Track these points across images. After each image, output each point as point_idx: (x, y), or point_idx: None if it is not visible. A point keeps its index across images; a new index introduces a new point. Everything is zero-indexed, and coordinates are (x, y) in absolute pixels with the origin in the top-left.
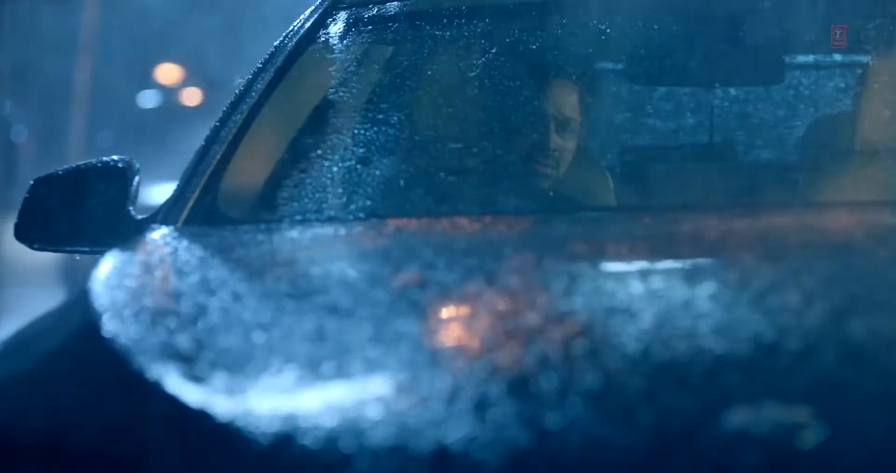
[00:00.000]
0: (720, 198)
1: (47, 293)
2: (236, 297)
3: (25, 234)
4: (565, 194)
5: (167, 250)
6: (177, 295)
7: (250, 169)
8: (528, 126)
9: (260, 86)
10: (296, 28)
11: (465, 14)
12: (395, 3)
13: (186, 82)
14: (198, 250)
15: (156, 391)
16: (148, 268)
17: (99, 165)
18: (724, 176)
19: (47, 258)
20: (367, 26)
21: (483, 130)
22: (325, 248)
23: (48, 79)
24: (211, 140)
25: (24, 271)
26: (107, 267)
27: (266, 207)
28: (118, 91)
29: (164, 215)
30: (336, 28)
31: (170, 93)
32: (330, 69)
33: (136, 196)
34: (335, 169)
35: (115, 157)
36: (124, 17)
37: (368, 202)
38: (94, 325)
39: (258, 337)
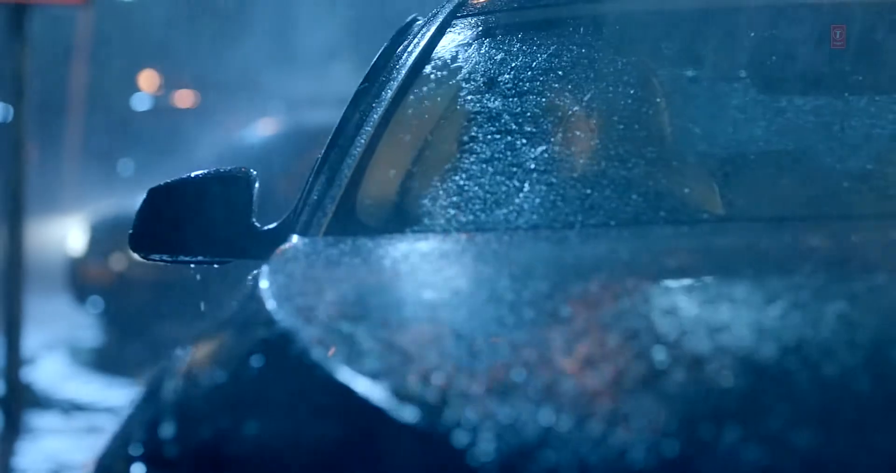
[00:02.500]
0: (825, 208)
1: (51, 300)
2: (416, 305)
3: (140, 244)
4: (676, 203)
5: (329, 260)
6: (359, 305)
7: (385, 179)
8: (662, 134)
9: (388, 94)
10: (417, 37)
11: (589, 21)
12: (518, 10)
13: (179, 85)
14: (358, 260)
15: (360, 402)
16: (318, 279)
17: (217, 174)
18: (830, 185)
19: (50, 265)
20: (489, 34)
21: (616, 139)
22: (482, 257)
23: (44, 85)
24: (344, 151)
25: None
26: (272, 278)
27: (405, 216)
28: (112, 96)
29: (302, 225)
30: (458, 37)
31: (163, 95)
32: (456, 77)
33: (256, 206)
34: (470, 178)
35: (231, 167)
36: (116, 24)
37: (504, 212)
38: (285, 338)
39: (450, 346)
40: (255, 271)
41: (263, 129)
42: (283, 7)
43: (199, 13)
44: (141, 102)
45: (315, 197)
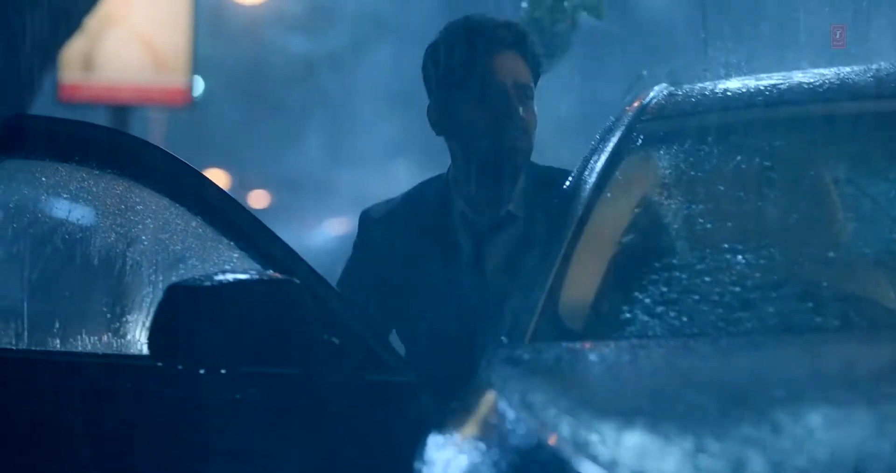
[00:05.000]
0: None
1: None
2: (656, 411)
3: (166, 348)
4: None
5: (554, 366)
6: (603, 411)
7: (586, 284)
8: (859, 239)
9: (581, 199)
10: (604, 142)
11: (775, 124)
12: (701, 114)
13: (253, 185)
14: (582, 365)
15: None
16: (550, 387)
17: (262, 279)
18: None
19: None
20: (675, 139)
21: (813, 244)
22: (705, 364)
23: None
24: (542, 258)
25: None
26: (503, 385)
27: (609, 321)
28: None
29: (508, 330)
30: (644, 141)
31: (238, 197)
32: (645, 182)
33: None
34: (672, 284)
35: (276, 273)
36: (184, 123)
37: (707, 318)
38: (540, 448)
39: (712, 452)
40: (479, 376)
41: (335, 228)
42: (351, 106)
43: (266, 113)
44: None
45: (518, 305)
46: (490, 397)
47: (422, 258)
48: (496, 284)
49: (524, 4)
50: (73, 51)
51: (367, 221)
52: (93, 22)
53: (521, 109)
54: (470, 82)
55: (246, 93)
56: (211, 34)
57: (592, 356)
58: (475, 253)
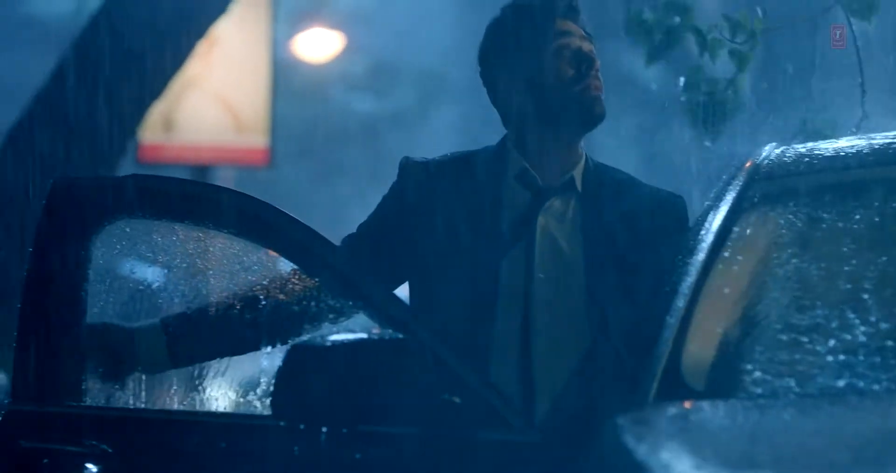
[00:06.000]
0: None
1: None
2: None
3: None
4: None
5: (690, 426)
6: None
7: (707, 342)
8: None
9: (699, 258)
10: (718, 201)
11: (891, 183)
12: (818, 173)
13: None
14: (717, 426)
15: None
16: (691, 447)
17: (384, 338)
18: None
19: None
20: (792, 197)
21: None
22: (839, 423)
23: None
24: (661, 315)
25: None
26: (636, 449)
27: (733, 380)
28: None
29: (629, 390)
30: (761, 200)
31: None
32: (764, 240)
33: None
34: (794, 344)
35: (396, 332)
36: (252, 184)
37: (833, 378)
38: None
39: None
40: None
41: (403, 287)
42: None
43: (331, 171)
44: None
45: (638, 363)
46: (623, 458)
47: (461, 214)
48: (543, 256)
49: (681, 82)
50: (153, 112)
51: (409, 165)
52: (174, 84)
53: (598, 65)
54: (548, 44)
55: (311, 151)
56: (277, 94)
57: (722, 416)
58: (528, 213)
